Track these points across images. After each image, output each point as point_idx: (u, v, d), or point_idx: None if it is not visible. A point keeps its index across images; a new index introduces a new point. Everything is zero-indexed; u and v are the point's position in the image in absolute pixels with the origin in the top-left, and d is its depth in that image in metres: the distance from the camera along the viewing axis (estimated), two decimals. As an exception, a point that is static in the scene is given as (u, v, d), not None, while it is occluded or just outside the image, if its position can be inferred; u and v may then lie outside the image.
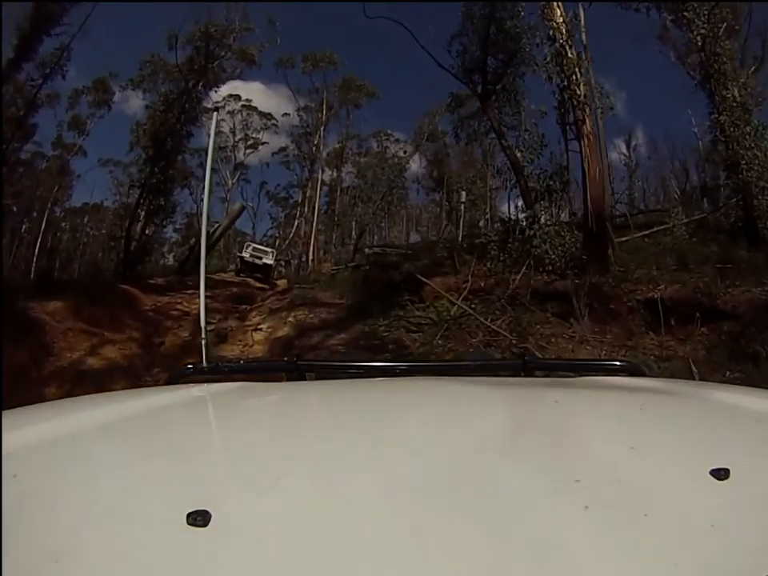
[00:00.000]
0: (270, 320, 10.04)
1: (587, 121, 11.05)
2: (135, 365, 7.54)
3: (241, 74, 20.74)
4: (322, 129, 25.25)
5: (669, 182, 23.06)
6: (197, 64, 16.49)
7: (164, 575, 0.36)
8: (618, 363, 1.41)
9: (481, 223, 21.15)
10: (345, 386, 1.07)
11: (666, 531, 0.39)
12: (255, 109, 27.66)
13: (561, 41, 11.55)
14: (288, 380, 1.22)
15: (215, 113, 2.16)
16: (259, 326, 9.57)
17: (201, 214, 25.49)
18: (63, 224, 25.03)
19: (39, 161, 21.80)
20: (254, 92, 33.15)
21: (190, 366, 1.21)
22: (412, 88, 38.96)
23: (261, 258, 17.40)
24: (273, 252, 18.54)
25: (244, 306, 12.41)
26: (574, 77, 11.31)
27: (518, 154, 10.80)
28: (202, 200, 26.14)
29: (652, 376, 1.34)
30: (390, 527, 0.40)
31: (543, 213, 10.08)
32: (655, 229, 11.93)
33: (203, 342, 1.32)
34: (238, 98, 26.85)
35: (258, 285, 15.87)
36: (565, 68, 11.29)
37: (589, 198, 9.73)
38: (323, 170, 25.51)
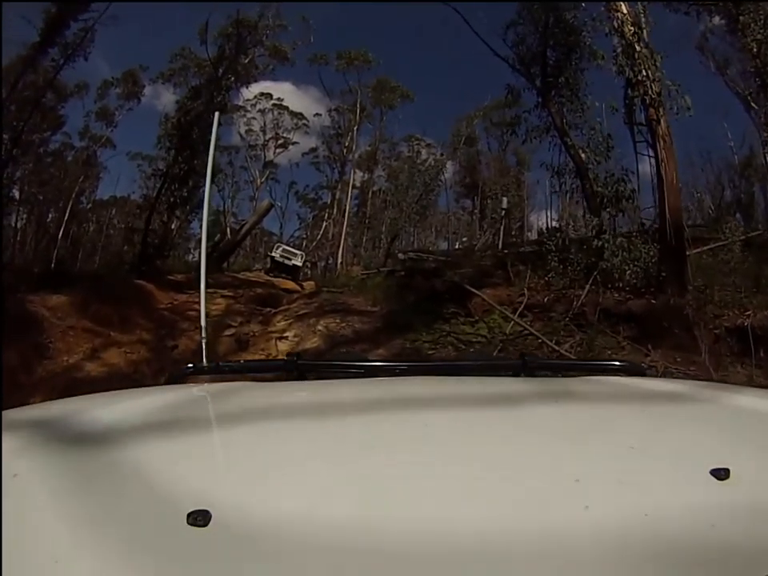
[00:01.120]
0: (297, 327, 8.93)
1: (662, 121, 9.86)
2: (141, 372, 6.47)
3: (273, 70, 20.32)
4: (355, 129, 24.56)
5: (703, 196, 21.56)
6: (227, 51, 15.83)
7: (164, 575, 0.36)
8: (617, 363, 1.41)
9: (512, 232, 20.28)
10: (345, 386, 1.05)
11: (666, 531, 0.39)
12: (287, 108, 27.22)
13: (630, 33, 10.44)
14: (288, 380, 1.20)
15: (216, 113, 2.09)
16: (285, 334, 8.46)
17: (227, 211, 25.53)
18: (90, 215, 24.65)
19: (67, 151, 21.60)
20: (285, 92, 32.45)
21: (190, 366, 1.18)
22: (446, 92, 37.80)
23: (290, 260, 17.40)
24: (302, 254, 18.55)
25: (268, 309, 11.42)
26: (645, 72, 10.18)
27: (582, 155, 9.56)
28: (230, 197, 26.55)
29: (652, 376, 1.36)
30: (389, 527, 0.40)
31: (611, 221, 8.80)
32: (713, 245, 10.63)
33: (203, 342, 1.29)
34: (269, 96, 26.43)
35: (284, 286, 15.06)
36: (637, 61, 10.14)
37: (667, 206, 8.46)
38: (354, 172, 24.78)
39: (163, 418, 0.74)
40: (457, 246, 22.43)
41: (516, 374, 1.24)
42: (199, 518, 0.39)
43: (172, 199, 14.31)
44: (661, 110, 9.97)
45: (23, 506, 0.43)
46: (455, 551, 0.37)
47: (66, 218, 20.54)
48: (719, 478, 0.46)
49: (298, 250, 19.17)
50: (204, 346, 1.29)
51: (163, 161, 15.26)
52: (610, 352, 7.12)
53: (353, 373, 1.21)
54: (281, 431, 0.67)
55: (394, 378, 1.14)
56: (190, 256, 23.07)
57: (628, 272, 7.64)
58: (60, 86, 18.49)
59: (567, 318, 7.30)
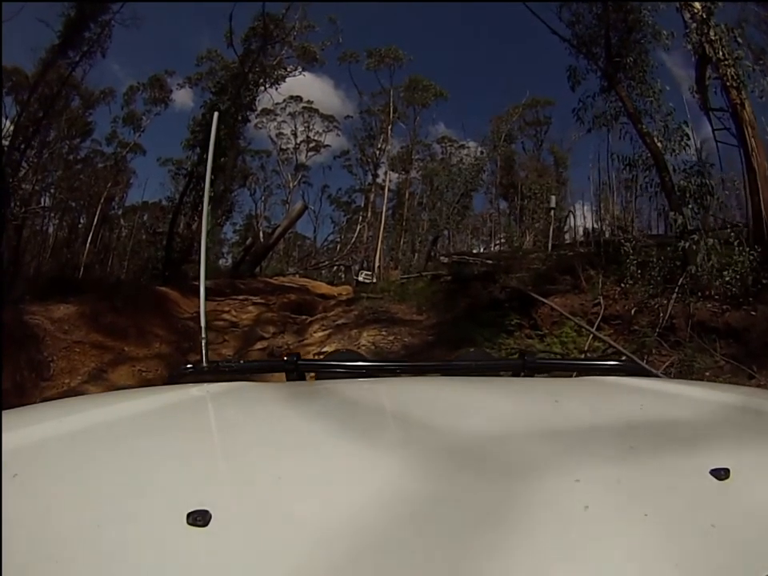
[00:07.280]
0: (337, 339, 8.02)
1: (746, 105, 8.67)
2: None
3: (302, 72, 19.88)
4: (389, 128, 23.79)
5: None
6: (253, 45, 15.29)
7: (164, 575, 0.36)
8: (617, 363, 1.48)
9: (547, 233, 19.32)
10: (345, 386, 1.03)
11: (666, 531, 0.39)
12: (317, 111, 26.70)
13: (702, 8, 9.28)
14: (288, 380, 1.18)
15: (216, 113, 2.11)
16: (324, 348, 7.60)
17: (260, 215, 25.27)
18: (122, 221, 24.49)
19: (97, 157, 21.42)
20: (315, 95, 31.80)
21: (189, 366, 1.20)
22: (481, 90, 36.61)
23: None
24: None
25: (303, 317, 10.61)
26: (723, 50, 9.01)
27: (659, 144, 8.41)
28: (262, 200, 26.16)
29: (652, 376, 1.36)
30: (389, 527, 0.40)
31: (696, 219, 7.64)
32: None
33: (203, 342, 1.26)
34: (299, 99, 25.95)
35: (319, 291, 14.39)
36: (714, 38, 8.97)
37: (762, 202, 7.30)
38: (388, 174, 24.01)
39: (163, 418, 0.73)
40: (493, 249, 21.48)
41: (516, 374, 1.22)
42: (199, 518, 0.39)
43: (198, 201, 13.51)
44: (743, 92, 8.81)
45: (23, 505, 0.43)
46: (453, 550, 0.36)
47: (94, 223, 20.27)
48: (719, 478, 0.45)
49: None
50: (204, 346, 1.22)
51: (188, 160, 14.73)
52: (708, 373, 6.06)
53: (353, 373, 1.18)
54: (281, 431, 0.66)
55: (394, 378, 1.13)
56: (222, 260, 22.70)
57: (727, 278, 6.48)
58: (87, 92, 18.27)
59: (656, 333, 6.20)
